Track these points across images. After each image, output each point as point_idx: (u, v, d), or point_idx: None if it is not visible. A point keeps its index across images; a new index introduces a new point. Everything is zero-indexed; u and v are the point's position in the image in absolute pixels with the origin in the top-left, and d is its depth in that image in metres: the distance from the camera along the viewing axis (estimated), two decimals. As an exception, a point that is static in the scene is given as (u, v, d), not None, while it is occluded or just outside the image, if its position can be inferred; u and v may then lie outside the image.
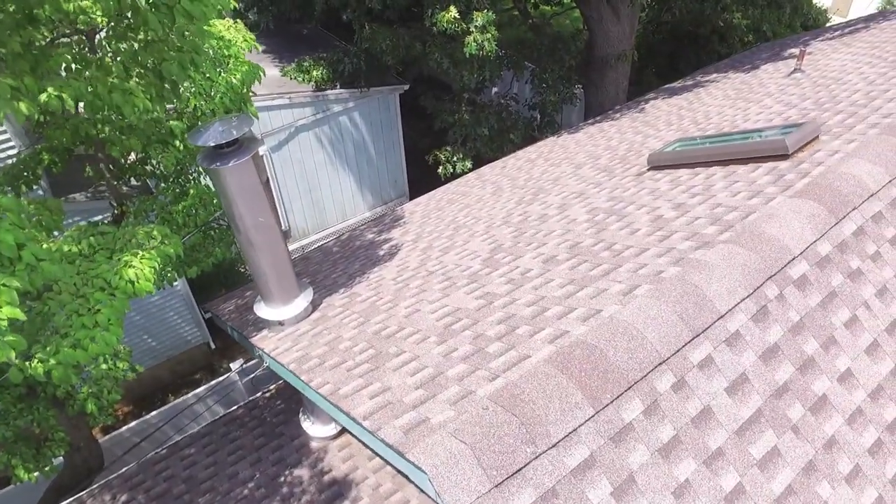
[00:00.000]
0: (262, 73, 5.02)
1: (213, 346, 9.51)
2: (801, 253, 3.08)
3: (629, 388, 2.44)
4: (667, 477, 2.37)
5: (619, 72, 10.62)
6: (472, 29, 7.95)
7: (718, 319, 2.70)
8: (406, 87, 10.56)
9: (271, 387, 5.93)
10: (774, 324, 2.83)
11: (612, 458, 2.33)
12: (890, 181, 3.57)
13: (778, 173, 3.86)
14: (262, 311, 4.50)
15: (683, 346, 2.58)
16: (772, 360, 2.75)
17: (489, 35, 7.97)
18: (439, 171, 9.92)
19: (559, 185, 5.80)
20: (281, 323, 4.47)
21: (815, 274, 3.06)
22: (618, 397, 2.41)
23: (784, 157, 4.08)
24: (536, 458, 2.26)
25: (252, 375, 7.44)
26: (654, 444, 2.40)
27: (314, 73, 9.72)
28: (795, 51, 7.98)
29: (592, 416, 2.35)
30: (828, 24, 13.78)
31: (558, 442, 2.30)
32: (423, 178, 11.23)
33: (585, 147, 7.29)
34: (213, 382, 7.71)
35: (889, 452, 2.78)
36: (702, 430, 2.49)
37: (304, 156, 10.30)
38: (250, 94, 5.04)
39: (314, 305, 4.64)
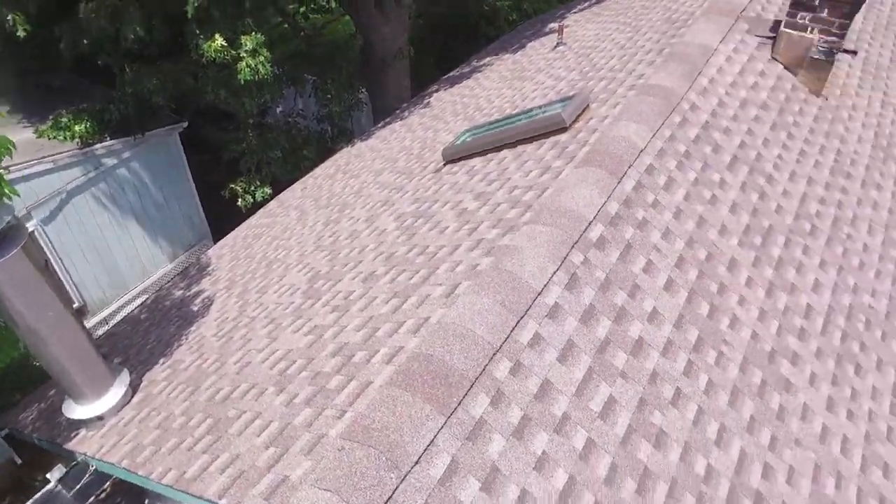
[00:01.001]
0: (11, 147, 4.46)
1: (18, 461, 8.34)
2: (595, 217, 3.45)
3: (472, 385, 2.58)
4: (526, 455, 2.55)
5: (398, 70, 10.98)
6: (243, 54, 7.74)
7: (537, 297, 2.95)
8: (184, 124, 10.01)
9: (105, 486, 5.37)
10: (585, 287, 3.14)
11: (473, 456, 2.45)
12: (653, 136, 4.12)
13: (561, 146, 4.28)
14: (74, 410, 4.05)
15: (511, 332, 2.78)
16: (590, 320, 3.06)
17: (262, 58, 7.82)
18: (239, 203, 9.57)
19: (363, 197, 5.89)
20: (100, 417, 4.06)
21: (610, 232, 3.45)
22: (464, 398, 2.54)
23: (563, 129, 4.51)
24: (403, 480, 2.31)
25: (79, 485, 6.65)
26: (507, 430, 2.56)
27: (76, 128, 8.84)
28: (555, 25, 8.81)
29: (445, 423, 2.46)
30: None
31: (419, 458, 2.37)
32: (226, 214, 10.76)
33: (381, 152, 7.46)
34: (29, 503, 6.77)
35: (699, 369, 3.24)
36: (545, 403, 2.71)
37: (85, 219, 9.36)
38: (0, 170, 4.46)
39: (134, 388, 4.28)
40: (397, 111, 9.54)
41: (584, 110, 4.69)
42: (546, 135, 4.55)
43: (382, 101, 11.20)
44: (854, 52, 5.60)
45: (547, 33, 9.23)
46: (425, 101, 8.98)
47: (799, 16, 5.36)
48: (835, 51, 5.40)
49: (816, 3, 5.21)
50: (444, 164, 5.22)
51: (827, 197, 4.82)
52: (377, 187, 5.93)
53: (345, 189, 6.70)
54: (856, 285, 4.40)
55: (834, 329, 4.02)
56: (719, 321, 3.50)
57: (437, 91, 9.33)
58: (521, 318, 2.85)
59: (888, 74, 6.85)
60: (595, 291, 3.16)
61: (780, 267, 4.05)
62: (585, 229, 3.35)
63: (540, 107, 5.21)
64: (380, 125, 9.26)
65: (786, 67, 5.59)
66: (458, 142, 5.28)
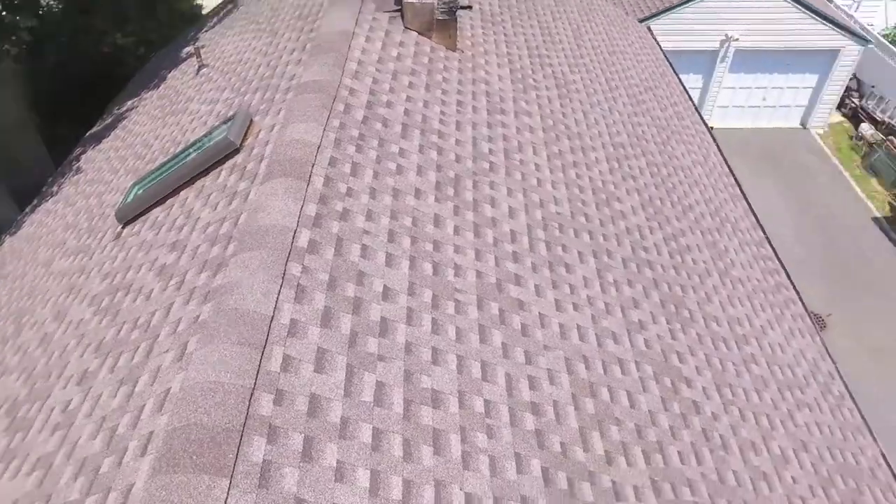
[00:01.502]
0: None
1: None
2: (298, 224, 3.58)
3: (242, 434, 2.57)
4: (324, 473, 2.63)
5: (26, 142, 9.81)
6: None
7: (271, 322, 3.00)
8: None
9: None
10: (314, 292, 3.28)
11: (273, 499, 2.46)
12: (324, 129, 4.36)
13: (240, 169, 4.31)
14: None
15: (260, 365, 2.81)
16: (331, 321, 3.21)
17: None
18: None
19: (40, 296, 5.26)
20: None
21: (317, 234, 3.61)
22: (239, 450, 2.51)
23: (236, 151, 4.54)
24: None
25: None
26: (295, 459, 2.61)
27: None
28: (191, 49, 8.62)
29: (231, 484, 2.42)
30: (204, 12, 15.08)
31: (216, 531, 2.31)
32: None
33: (42, 239, 6.69)
34: None
35: (445, 322, 3.62)
36: (321, 416, 2.81)
37: None
38: None
39: None
40: (44, 188, 8.55)
41: (249, 126, 4.76)
42: (221, 161, 4.54)
43: (20, 181, 9.92)
44: (469, 7, 6.52)
45: (185, 59, 9.01)
46: (75, 167, 8.19)
47: (412, -16, 6.07)
48: (454, 9, 6.23)
49: (420, -30, 5.95)
50: (123, 227, 4.90)
51: (492, 134, 5.61)
52: (53, 279, 5.32)
53: (11, 297, 5.88)
54: (541, 200, 5.24)
55: (538, 242, 4.77)
56: (445, 274, 3.92)
57: (84, 152, 8.56)
58: (264, 348, 2.88)
59: (501, 19, 8.09)
60: (325, 293, 3.32)
61: (477, 207, 4.64)
62: (293, 239, 3.47)
63: (205, 135, 5.15)
64: (28, 211, 8.22)
65: (420, 33, 6.29)
66: (129, 199, 4.98)
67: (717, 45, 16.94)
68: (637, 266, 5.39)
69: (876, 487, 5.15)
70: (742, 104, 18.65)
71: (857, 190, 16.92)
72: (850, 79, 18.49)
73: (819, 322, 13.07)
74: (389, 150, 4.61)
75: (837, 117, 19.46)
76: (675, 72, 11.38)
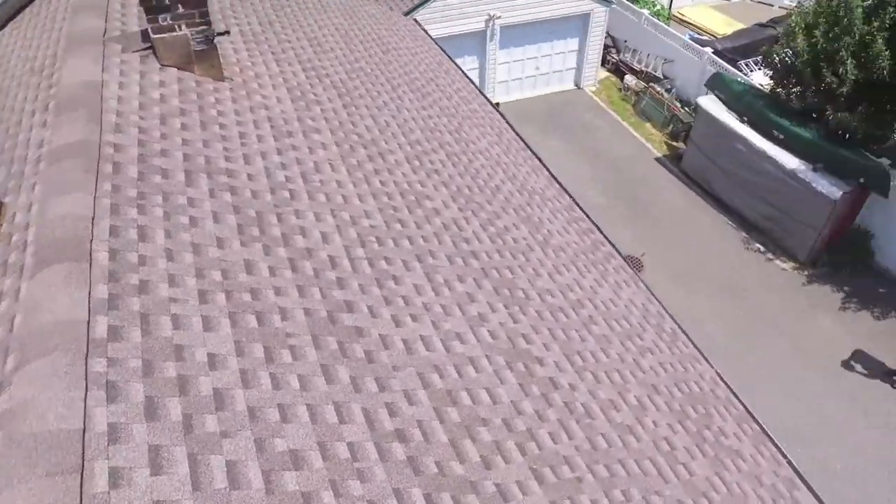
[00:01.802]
0: None
1: None
2: (90, 312, 3.21)
3: None
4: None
5: None
6: None
7: (85, 435, 2.66)
8: None
9: None
10: (129, 385, 2.96)
11: None
12: (95, 197, 3.94)
13: (0, 263, 3.79)
14: None
15: (82, 490, 2.48)
16: (158, 411, 2.92)
17: None
18: None
19: None
20: None
21: (116, 317, 3.26)
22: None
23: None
24: None
25: None
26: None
27: None
28: None
29: None
30: None
31: None
32: None
33: None
34: None
35: (280, 378, 3.45)
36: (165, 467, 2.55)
37: None
38: None
39: None
40: None
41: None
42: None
43: None
44: (227, 32, 6.25)
45: None
46: None
47: (160, 19, 5.69)
48: (210, 37, 5.94)
49: (167, 2, 5.60)
50: None
51: (284, 160, 5.45)
52: None
53: None
54: (351, 217, 5.19)
55: (359, 262, 4.71)
56: (271, 322, 3.74)
57: None
58: (83, 469, 2.55)
59: (266, 37, 7.89)
60: (142, 382, 3.01)
61: (288, 241, 4.49)
62: (89, 331, 3.11)
63: (-54, 233, 4.46)
64: None
65: (180, 68, 5.93)
66: None
67: (483, 25, 17.92)
68: (462, 260, 5.54)
69: (720, 406, 5.76)
70: (520, 76, 19.94)
71: (637, 135, 18.82)
72: (606, 37, 20.47)
73: (637, 265, 14.38)
74: (177, 202, 4.30)
75: (604, 73, 21.47)
76: (450, 58, 11.84)
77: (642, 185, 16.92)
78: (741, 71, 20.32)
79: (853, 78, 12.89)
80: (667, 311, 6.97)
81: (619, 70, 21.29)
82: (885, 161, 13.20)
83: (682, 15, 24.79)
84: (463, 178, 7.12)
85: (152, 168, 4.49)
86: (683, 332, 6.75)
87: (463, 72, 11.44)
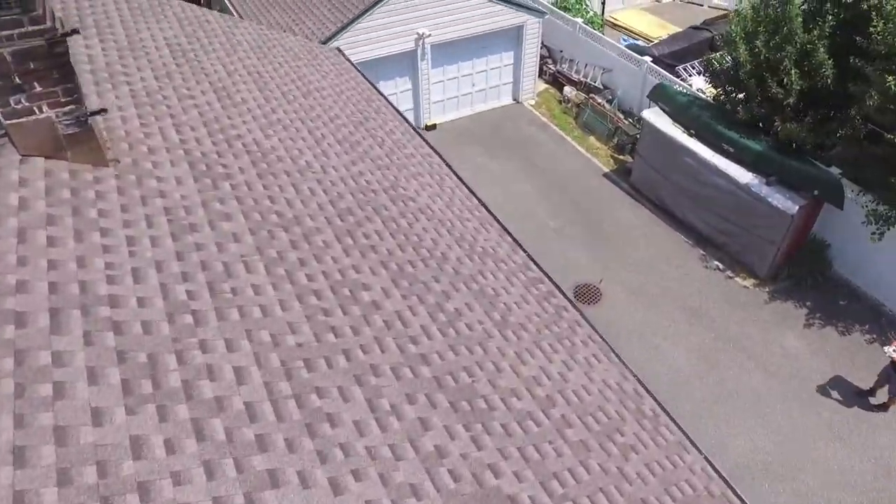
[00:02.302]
0: None
1: None
2: None
3: None
4: None
5: None
6: None
7: None
8: None
9: None
10: None
11: None
12: None
13: None
14: None
15: None
16: None
17: None
18: None
19: None
20: None
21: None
22: None
23: None
24: None
25: None
26: None
27: None
28: None
29: None
30: None
31: None
32: None
33: None
34: None
35: None
36: None
37: None
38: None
39: None
40: None
41: None
42: None
43: None
44: (103, 111, 5.27)
45: None
46: None
47: (13, 102, 4.70)
48: (83, 118, 4.97)
49: (18, 81, 4.61)
50: None
51: (185, 269, 4.53)
52: None
53: None
54: (273, 337, 4.31)
55: (283, 403, 3.85)
56: None
57: None
58: None
59: (164, 95, 6.91)
60: None
61: (190, 393, 3.58)
62: None
63: None
64: None
65: (48, 157, 4.95)
66: None
67: (413, 45, 17.15)
68: (411, 369, 4.73)
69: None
70: (455, 94, 19.25)
71: (581, 150, 18.35)
72: (541, 47, 19.99)
73: (595, 294, 13.85)
74: (37, 363, 3.35)
75: (542, 85, 20.99)
76: (379, 92, 11.02)
77: (593, 204, 16.44)
78: (680, 76, 20.17)
79: (798, 88, 12.64)
80: (645, 388, 6.30)
81: (557, 81, 20.84)
82: (835, 170, 13.00)
83: (615, 20, 24.60)
84: (404, 250, 6.30)
85: (2, 313, 3.53)
86: (665, 410, 6.08)
87: (394, 107, 10.62)
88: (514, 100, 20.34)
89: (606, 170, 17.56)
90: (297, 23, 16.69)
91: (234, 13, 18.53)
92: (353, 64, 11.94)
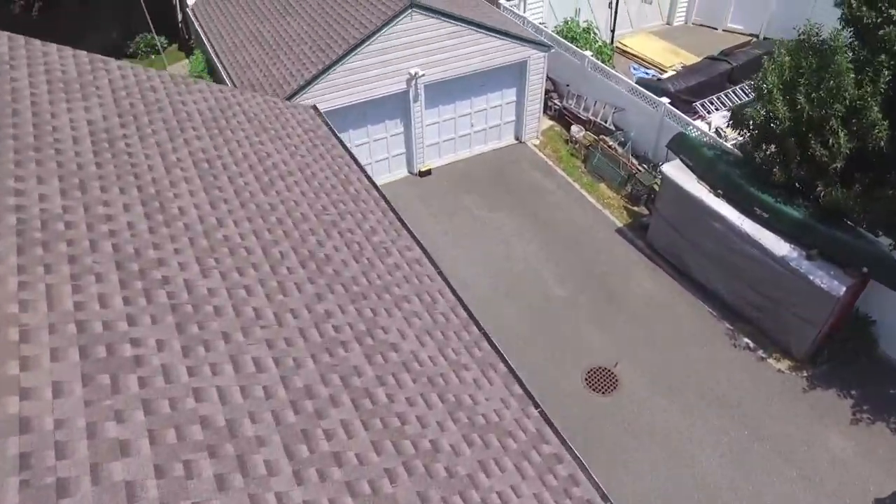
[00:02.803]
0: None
1: None
2: None
3: None
4: None
5: None
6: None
7: None
8: None
9: None
10: None
11: None
12: None
13: None
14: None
15: None
16: None
17: None
18: None
19: None
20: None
21: None
22: None
23: None
24: None
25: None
26: None
27: None
28: None
29: None
30: None
31: None
32: None
33: None
34: None
35: None
36: None
37: None
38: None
39: None
40: None
41: None
42: None
43: None
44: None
45: None
46: None
47: None
48: None
49: None
50: None
51: None
52: None
53: None
54: None
55: None
56: None
57: None
58: None
59: (64, 223, 5.29)
60: None
61: None
62: None
63: None
64: None
65: None
66: None
67: (404, 86, 15.56)
68: None
69: None
70: (452, 136, 17.65)
71: (592, 199, 16.75)
72: (546, 80, 18.40)
73: (611, 381, 12.25)
74: None
75: (547, 122, 19.41)
76: (362, 170, 9.39)
77: (606, 266, 14.84)
78: (697, 113, 18.62)
79: (846, 150, 11.05)
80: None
81: (563, 118, 19.26)
82: (884, 241, 11.40)
83: (625, 46, 23.00)
84: (384, 456, 4.68)
85: None
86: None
87: (378, 191, 8.98)
88: (517, 139, 18.74)
89: (620, 224, 15.96)
90: (275, 62, 15.08)
91: (211, 50, 16.96)
92: (330, 127, 10.33)
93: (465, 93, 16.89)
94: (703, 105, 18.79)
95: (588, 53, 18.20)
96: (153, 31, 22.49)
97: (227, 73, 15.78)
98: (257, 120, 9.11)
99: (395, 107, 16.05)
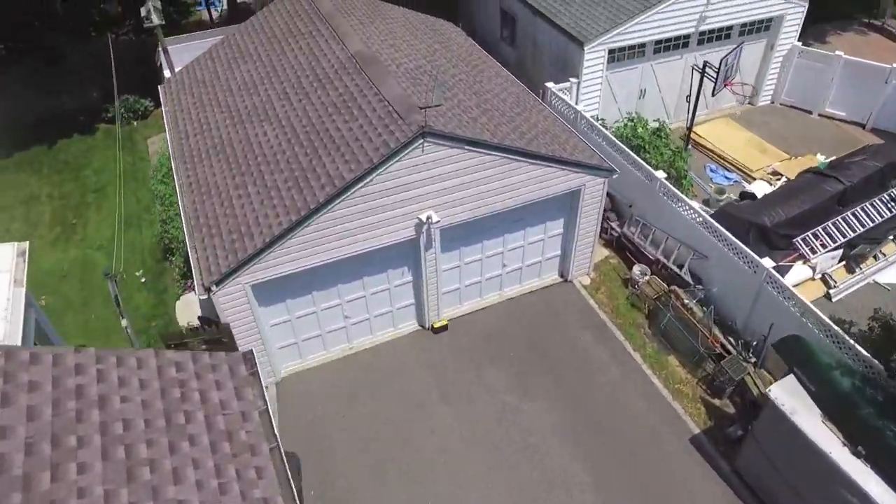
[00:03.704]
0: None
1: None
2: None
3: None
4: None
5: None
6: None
7: None
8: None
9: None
10: None
11: None
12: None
13: None
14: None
15: None
16: None
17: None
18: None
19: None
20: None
21: None
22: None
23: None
24: None
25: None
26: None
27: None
28: None
29: None
30: None
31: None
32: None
33: None
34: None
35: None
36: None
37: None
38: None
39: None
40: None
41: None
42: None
43: None
44: None
45: None
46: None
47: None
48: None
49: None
50: None
51: None
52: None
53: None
54: None
55: None
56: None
57: None
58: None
59: None
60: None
61: None
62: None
63: None
64: None
65: None
66: None
67: (412, 232, 11.66)
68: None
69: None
70: (478, 278, 13.68)
71: (656, 381, 12.60)
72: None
73: None
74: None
75: (602, 250, 15.33)
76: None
77: (677, 499, 10.72)
78: (798, 250, 14.37)
79: None
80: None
81: (622, 247, 15.17)
82: None
83: (698, 135, 18.74)
84: None
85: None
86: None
87: None
88: (562, 277, 14.69)
89: (695, 428, 11.79)
90: (240, 193, 11.31)
91: (171, 152, 13.25)
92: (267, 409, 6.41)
93: (496, 230, 12.92)
94: (803, 241, 14.51)
95: (661, 175, 13.97)
96: (117, 93, 18.91)
97: (182, 204, 12.07)
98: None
99: (401, 254, 12.17)
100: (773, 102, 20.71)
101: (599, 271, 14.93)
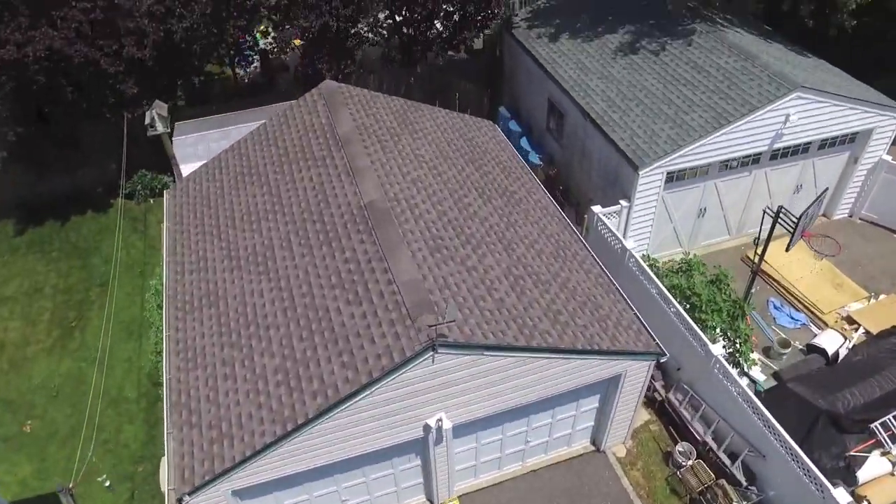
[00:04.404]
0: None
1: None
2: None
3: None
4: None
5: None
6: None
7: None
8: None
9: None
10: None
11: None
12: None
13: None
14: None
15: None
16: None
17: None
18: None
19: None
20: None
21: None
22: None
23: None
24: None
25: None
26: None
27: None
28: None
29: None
30: None
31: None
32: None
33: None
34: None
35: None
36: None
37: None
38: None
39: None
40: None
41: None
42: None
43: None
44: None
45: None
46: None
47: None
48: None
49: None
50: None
51: None
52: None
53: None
54: None
55: None
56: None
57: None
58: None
59: None
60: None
61: None
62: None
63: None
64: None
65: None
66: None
67: (419, 433, 10.16)
68: None
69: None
70: (497, 454, 12.11)
71: None
72: (646, 374, 12.55)
73: None
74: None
75: (643, 412, 13.58)
76: None
77: None
78: (875, 436, 12.38)
79: None
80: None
81: (666, 414, 13.41)
82: None
83: (764, 262, 16.72)
84: None
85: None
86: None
87: None
88: (594, 445, 13.02)
89: None
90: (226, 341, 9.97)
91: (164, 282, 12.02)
92: None
93: (519, 413, 11.30)
94: (885, 425, 12.52)
95: (718, 352, 12.07)
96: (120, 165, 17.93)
97: (167, 366, 10.80)
98: None
99: (407, 448, 10.68)
100: (851, 216, 18.54)
101: (637, 439, 13.19)
